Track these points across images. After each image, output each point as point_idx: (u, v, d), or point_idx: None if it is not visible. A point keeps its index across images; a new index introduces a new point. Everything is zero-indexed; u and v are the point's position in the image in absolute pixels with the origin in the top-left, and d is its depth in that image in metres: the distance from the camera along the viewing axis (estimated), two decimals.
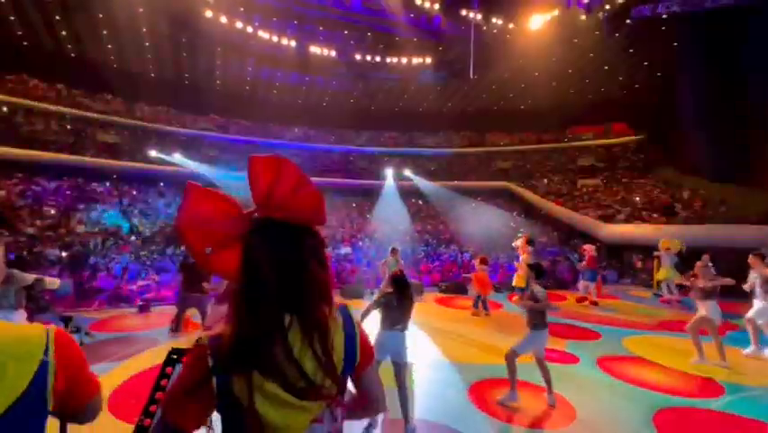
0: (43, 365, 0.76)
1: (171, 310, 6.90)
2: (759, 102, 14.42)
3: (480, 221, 17.58)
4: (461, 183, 22.17)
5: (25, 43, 18.50)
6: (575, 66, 20.62)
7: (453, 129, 25.97)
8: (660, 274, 9.46)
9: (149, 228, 15.30)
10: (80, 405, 0.87)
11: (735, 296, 6.09)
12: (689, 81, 17.43)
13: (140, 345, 5.44)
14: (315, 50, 19.76)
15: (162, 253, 12.41)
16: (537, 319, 3.77)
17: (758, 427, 3.45)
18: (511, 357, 3.76)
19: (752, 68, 14.63)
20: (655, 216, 14.85)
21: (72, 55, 19.73)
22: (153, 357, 4.93)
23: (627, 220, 15.40)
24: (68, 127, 18.65)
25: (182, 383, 0.80)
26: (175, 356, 1.44)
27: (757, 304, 5.32)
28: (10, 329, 0.80)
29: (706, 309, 5.00)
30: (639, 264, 13.18)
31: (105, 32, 18.09)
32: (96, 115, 19.52)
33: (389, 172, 21.82)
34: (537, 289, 3.78)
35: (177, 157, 19.05)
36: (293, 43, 19.30)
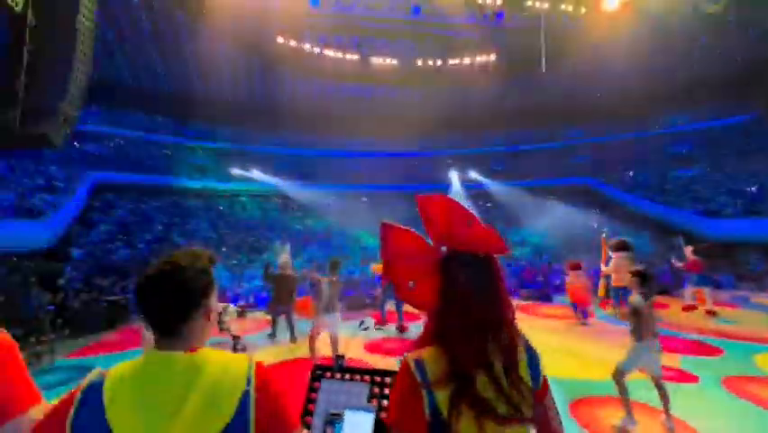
0: (245, 396, 0.80)
1: (264, 316, 7.46)
2: None
3: (558, 222, 16.45)
4: (534, 182, 21.00)
5: (131, 82, 21.56)
6: (660, 45, 18.50)
7: (522, 126, 24.77)
8: None
9: (234, 238, 16.80)
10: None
11: None
12: None
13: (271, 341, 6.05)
14: (376, 60, 20.25)
15: (249, 261, 13.54)
16: (643, 329, 3.39)
17: None
18: (617, 376, 3.43)
19: None
20: None
21: (167, 90, 22.55)
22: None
23: (738, 214, 13.33)
24: (167, 152, 21.35)
25: (397, 397, 0.91)
26: (319, 372, 1.54)
27: None
28: (220, 357, 0.87)
29: None
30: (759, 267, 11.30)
31: (191, 66, 20.41)
32: (187, 141, 22.12)
33: (454, 175, 21.46)
34: (635, 299, 3.44)
35: (255, 173, 20.74)
36: (356, 57, 19.98)
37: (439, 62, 20.39)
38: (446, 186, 21.53)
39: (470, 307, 0.90)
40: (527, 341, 0.98)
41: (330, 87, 22.67)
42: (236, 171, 20.84)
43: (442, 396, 0.84)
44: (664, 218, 15.52)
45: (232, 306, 2.99)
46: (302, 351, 5.25)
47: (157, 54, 19.58)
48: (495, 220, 19.70)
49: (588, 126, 23.58)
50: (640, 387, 3.54)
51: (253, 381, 0.83)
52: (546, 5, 16.49)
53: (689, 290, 7.98)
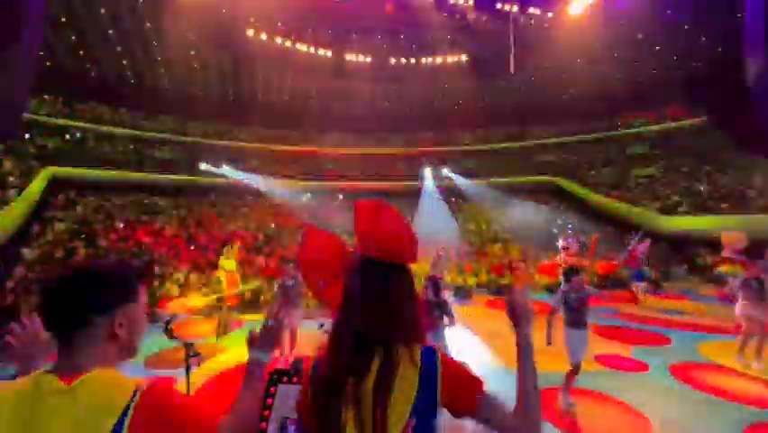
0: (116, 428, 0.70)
1: (234, 317, 7.30)
2: None
3: (526, 218, 17.00)
4: (503, 180, 21.58)
5: (93, 74, 20.43)
6: (621, 49, 19.40)
7: (492, 125, 25.35)
8: (725, 269, 8.70)
9: (205, 237, 16.31)
10: None
11: None
12: (759, 53, 15.77)
13: (210, 351, 5.84)
14: (350, 57, 20.14)
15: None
16: (572, 317, 3.77)
17: None
18: (575, 368, 3.71)
19: None
20: (724, 206, 13.61)
21: (132, 81, 21.52)
22: (219, 364, 5.27)
23: (690, 212, 14.25)
24: (131, 147, 20.43)
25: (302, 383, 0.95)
26: (276, 377, 1.56)
27: None
28: (102, 383, 0.76)
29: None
30: (707, 260, 12.13)
31: (158, 59, 19.58)
32: (153, 135, 21.24)
33: (428, 173, 21.71)
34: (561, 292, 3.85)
35: (225, 169, 20.20)
36: (329, 53, 19.78)
37: (412, 61, 20.52)
38: (419, 183, 21.76)
39: (355, 314, 0.89)
40: (435, 359, 0.89)
41: (303, 82, 22.36)
42: (206, 167, 20.22)
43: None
44: (624, 215, 16.34)
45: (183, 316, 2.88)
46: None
47: (121, 43, 18.65)
48: (466, 217, 20.13)
49: (554, 126, 24.43)
50: (601, 378, 3.76)
51: (130, 413, 0.72)
52: (515, 8, 16.91)
53: (637, 285, 8.61)
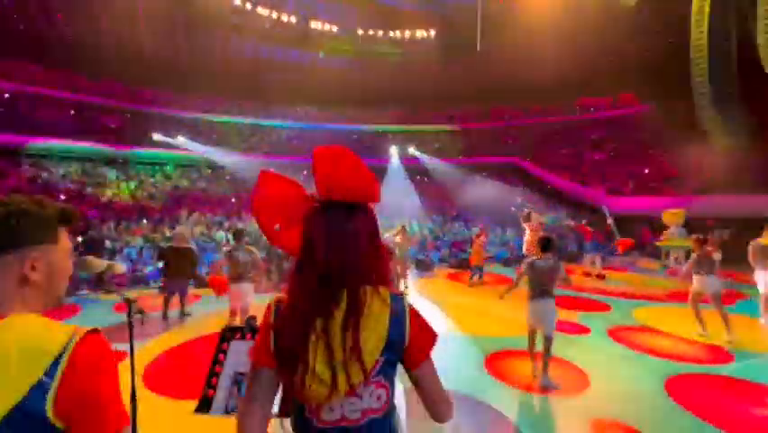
0: (40, 384, 0.64)
1: (192, 291, 7.09)
2: None
3: (488, 197, 17.54)
4: (468, 159, 21.99)
5: (21, 27, 18.19)
6: (582, 35, 19.98)
7: (458, 104, 25.52)
8: (666, 243, 9.54)
9: (158, 210, 15.48)
10: None
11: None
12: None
13: (164, 325, 5.66)
14: (315, 25, 19.27)
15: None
16: (532, 290, 3.74)
17: (760, 389, 3.57)
18: (530, 332, 3.85)
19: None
20: (664, 188, 14.75)
21: (71, 40, 19.41)
22: (177, 336, 5.14)
23: (635, 193, 15.33)
24: (72, 113, 18.62)
25: (259, 336, 0.94)
26: (229, 333, 1.54)
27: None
28: (36, 327, 0.70)
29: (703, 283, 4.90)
30: (648, 237, 13.21)
31: (102, 15, 17.73)
32: (98, 100, 19.43)
33: (394, 150, 21.67)
34: (529, 259, 3.86)
35: (180, 140, 19.04)
36: (293, 19, 18.81)
37: (380, 33, 20.00)
38: (386, 160, 21.70)
39: (319, 255, 0.89)
40: (404, 304, 0.94)
41: (266, 50, 21.20)
42: (159, 137, 18.92)
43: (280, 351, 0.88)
44: (578, 196, 17.30)
45: (121, 265, 2.64)
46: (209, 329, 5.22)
47: None
48: (432, 196, 20.45)
49: (518, 108, 25.03)
50: (558, 343, 4.00)
51: (66, 357, 0.67)
52: None
53: (588, 258, 9.27)
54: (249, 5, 17.74)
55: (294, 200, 0.97)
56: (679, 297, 7.03)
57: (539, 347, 3.77)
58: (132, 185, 17.24)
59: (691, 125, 17.90)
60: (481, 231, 8.84)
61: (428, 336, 0.96)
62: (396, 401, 0.96)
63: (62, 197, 14.18)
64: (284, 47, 20.79)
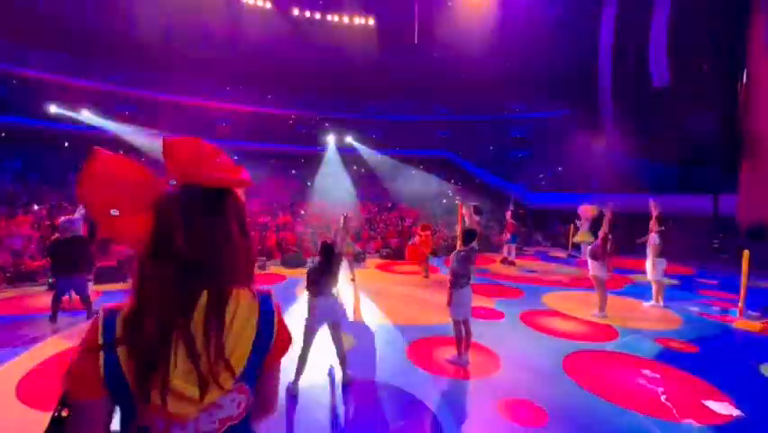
0: None
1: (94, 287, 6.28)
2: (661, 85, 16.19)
3: (421, 189, 18.08)
4: (403, 151, 22.40)
5: None
6: (508, 39, 21.28)
7: (396, 96, 25.76)
8: (578, 237, 10.64)
9: (53, 195, 13.44)
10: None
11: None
12: (606, 60, 18.99)
13: (51, 327, 4.91)
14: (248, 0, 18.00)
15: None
16: (465, 279, 3.95)
17: (639, 362, 4.15)
18: (458, 324, 3.97)
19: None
20: (575, 186, 16.45)
21: None
22: (64, 341, 4.51)
23: (551, 189, 16.89)
24: None
25: (75, 354, 0.75)
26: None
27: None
28: None
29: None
30: (560, 229, 14.66)
31: None
32: None
33: (331, 139, 21.27)
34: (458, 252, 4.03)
35: (84, 114, 16.68)
36: None
37: (317, 15, 19.31)
38: (321, 148, 21.25)
39: (175, 246, 0.75)
40: (271, 302, 0.87)
41: (186, 19, 19.24)
42: (56, 110, 16.34)
43: (124, 356, 0.72)
44: (501, 190, 18.60)
45: None
46: None
47: None
48: (367, 185, 20.51)
49: (451, 104, 26.02)
50: (475, 328, 4.21)
51: None
52: None
53: (506, 248, 10.07)
54: None
55: (140, 182, 0.82)
56: (581, 283, 7.93)
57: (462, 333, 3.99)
58: (20, 164, 14.73)
59: (598, 130, 20.14)
60: (427, 225, 9.07)
61: (287, 337, 0.90)
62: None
63: None
64: (210, 18, 19.07)
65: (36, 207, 12.18)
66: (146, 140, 17.13)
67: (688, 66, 14.99)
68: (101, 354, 0.73)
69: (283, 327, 0.88)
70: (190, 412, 0.74)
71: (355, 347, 4.39)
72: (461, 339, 3.98)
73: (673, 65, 15.29)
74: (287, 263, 9.49)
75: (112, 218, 0.81)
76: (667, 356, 4.31)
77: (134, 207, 0.81)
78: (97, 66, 19.43)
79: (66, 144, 17.03)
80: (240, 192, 0.89)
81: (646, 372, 3.90)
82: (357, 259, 10.46)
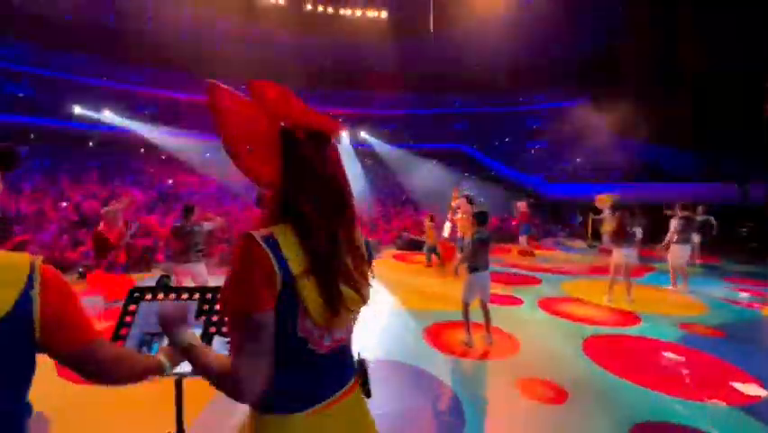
0: (25, 294, 0.73)
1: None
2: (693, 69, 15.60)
3: (435, 182, 17.98)
4: (417, 145, 22.32)
5: None
6: (526, 29, 20.86)
7: (410, 90, 25.64)
8: (605, 228, 10.45)
9: (81, 194, 13.95)
10: (70, 348, 0.81)
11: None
12: (628, 48, 18.41)
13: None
14: None
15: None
16: (478, 263, 3.99)
17: (662, 345, 4.08)
18: (465, 306, 4.04)
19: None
20: (595, 177, 16.09)
21: None
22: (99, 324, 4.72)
23: (569, 180, 16.57)
24: None
25: (250, 278, 0.79)
26: (137, 294, 1.41)
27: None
28: None
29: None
30: (578, 220, 14.40)
31: None
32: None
33: (344, 134, 21.36)
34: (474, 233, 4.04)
35: (107, 114, 17.22)
36: None
37: (330, 10, 19.36)
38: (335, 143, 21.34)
39: (325, 187, 0.88)
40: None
41: (201, 18, 19.58)
42: (80, 111, 16.93)
43: (303, 285, 0.81)
44: (517, 182, 18.34)
45: None
46: None
47: None
48: (381, 179, 20.54)
49: (466, 96, 25.73)
50: (493, 313, 4.23)
51: (37, 279, 0.76)
52: None
53: (523, 238, 9.96)
54: None
55: (259, 120, 0.86)
56: (600, 270, 7.80)
57: (473, 318, 4.03)
58: (49, 163, 15.33)
59: (621, 120, 19.59)
60: (430, 215, 9.09)
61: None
62: None
63: None
64: (226, 16, 19.36)
65: (64, 204, 12.69)
66: (169, 139, 17.61)
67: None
68: (278, 274, 0.79)
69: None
70: (345, 319, 0.90)
71: (372, 331, 4.45)
72: (468, 323, 4.02)
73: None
74: None
75: (249, 155, 0.85)
76: (692, 340, 4.22)
77: (261, 142, 0.86)
78: (119, 67, 20.00)
79: (91, 144, 17.62)
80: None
81: (670, 354, 3.84)
82: (373, 250, 10.57)
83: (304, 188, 0.86)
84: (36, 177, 14.11)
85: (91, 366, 0.84)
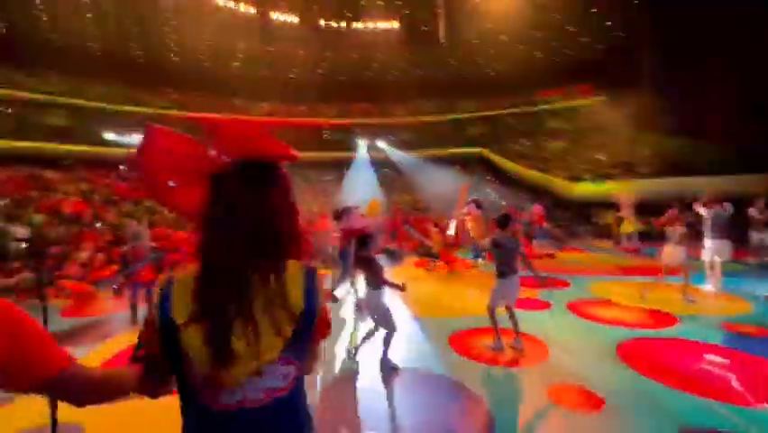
0: None
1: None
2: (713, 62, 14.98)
3: (455, 188, 17.82)
4: (436, 150, 22.29)
5: None
6: (541, 29, 20.66)
7: (424, 97, 25.72)
8: (624, 228, 10.07)
9: (114, 215, 14.62)
10: (37, 379, 0.68)
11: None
12: (646, 42, 17.90)
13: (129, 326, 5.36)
14: (276, 16, 18.79)
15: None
16: (502, 268, 3.95)
17: (704, 347, 3.85)
18: (490, 311, 3.98)
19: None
20: (618, 174, 15.57)
21: (3, 31, 17.87)
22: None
23: (593, 180, 16.08)
24: (9, 111, 17.21)
25: (147, 326, 0.84)
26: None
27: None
28: None
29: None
30: (603, 219, 13.91)
31: (39, 4, 16.42)
32: (40, 97, 18.04)
33: (362, 144, 21.61)
34: (484, 241, 3.99)
35: (135, 139, 18.06)
36: (252, 10, 18.24)
37: (343, 25, 19.78)
38: (352, 153, 21.61)
39: (236, 218, 0.81)
40: (315, 270, 0.90)
41: (221, 41, 20.39)
42: (112, 136, 17.86)
43: (187, 333, 0.77)
44: (540, 183, 17.95)
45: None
46: None
47: None
48: (398, 187, 20.55)
49: (481, 100, 25.57)
50: (520, 318, 4.13)
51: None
52: None
53: (536, 243, 9.72)
54: None
55: (194, 155, 0.87)
56: (629, 271, 7.48)
57: (502, 324, 3.95)
58: (83, 187, 16.18)
59: (642, 114, 18.96)
60: (434, 221, 9.13)
61: (328, 318, 0.94)
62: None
63: (1, 203, 13.10)
64: (244, 39, 20.09)
65: (99, 225, 13.32)
66: None
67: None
68: (158, 320, 0.80)
69: (325, 307, 0.91)
70: (240, 375, 0.77)
71: (397, 338, 4.40)
72: (497, 327, 3.95)
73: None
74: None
75: (169, 190, 0.87)
76: (736, 341, 3.97)
77: (190, 179, 0.87)
78: (147, 94, 21.02)
79: (121, 167, 18.48)
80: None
81: (713, 356, 3.61)
82: (394, 257, 10.54)
83: (211, 227, 0.82)
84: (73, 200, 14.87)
85: (69, 396, 0.75)
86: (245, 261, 0.81)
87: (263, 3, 18.31)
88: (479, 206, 8.24)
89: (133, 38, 19.80)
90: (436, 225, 8.55)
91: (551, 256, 9.55)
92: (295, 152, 0.90)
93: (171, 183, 0.88)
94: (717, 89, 14.85)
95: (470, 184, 8.97)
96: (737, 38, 13.92)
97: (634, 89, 19.33)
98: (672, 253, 5.44)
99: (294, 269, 0.86)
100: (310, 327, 0.86)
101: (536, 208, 10.03)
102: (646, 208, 11.14)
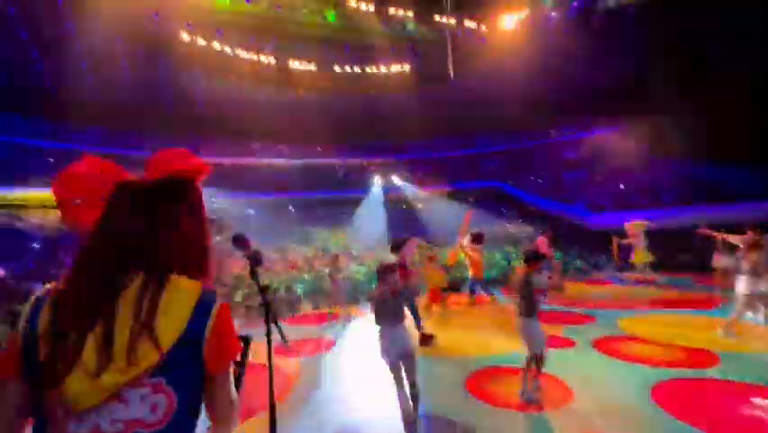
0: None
1: None
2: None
3: (474, 223, 17.62)
4: (453, 186, 22.39)
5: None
6: (551, 63, 21.08)
7: (439, 134, 26.19)
8: (637, 258, 9.55)
9: None
10: None
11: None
12: (660, 70, 17.95)
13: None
14: (294, 65, 20.01)
15: None
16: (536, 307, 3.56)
17: (749, 389, 3.46)
18: (537, 357, 3.49)
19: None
20: (641, 202, 15.09)
21: (49, 90, 19.59)
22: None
23: (614, 208, 15.64)
24: (50, 159, 18.48)
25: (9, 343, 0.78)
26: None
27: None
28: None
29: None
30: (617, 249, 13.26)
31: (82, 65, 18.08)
32: (73, 146, 19.40)
33: (377, 181, 21.96)
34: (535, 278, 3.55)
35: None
36: (272, 60, 19.53)
37: (357, 69, 20.82)
38: (367, 192, 21.94)
39: (111, 231, 0.80)
40: (211, 303, 0.82)
41: (245, 91, 21.72)
42: None
43: (43, 343, 0.72)
44: (560, 214, 17.57)
45: None
46: None
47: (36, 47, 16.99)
48: (414, 224, 20.47)
49: (495, 135, 25.81)
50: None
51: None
52: (453, 21, 17.83)
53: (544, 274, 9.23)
54: (228, 49, 18.38)
55: (106, 178, 0.88)
56: (661, 304, 7.01)
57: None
58: None
59: (662, 141, 18.61)
60: (428, 255, 8.83)
61: (229, 344, 0.85)
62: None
63: (36, 245, 13.73)
64: (264, 86, 21.37)
65: None
66: (209, 200, 18.91)
67: None
68: (20, 333, 0.75)
69: (224, 331, 0.83)
70: (90, 393, 0.69)
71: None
72: (539, 376, 3.50)
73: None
74: None
75: (74, 208, 0.87)
76: None
77: (97, 199, 0.86)
78: (173, 139, 22.26)
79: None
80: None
81: (760, 400, 3.24)
82: (414, 293, 10.26)
83: (88, 240, 0.81)
84: None
85: None
86: (113, 273, 0.77)
87: (282, 53, 19.59)
88: (478, 240, 7.93)
89: (162, 89, 21.29)
90: (431, 260, 8.18)
91: (559, 289, 8.86)
92: (201, 165, 0.91)
93: (76, 201, 0.88)
94: (743, 108, 14.46)
95: (472, 211, 8.81)
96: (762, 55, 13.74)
97: (650, 116, 19.15)
98: (751, 282, 4.82)
99: (187, 287, 0.80)
100: (195, 354, 0.78)
101: (541, 240, 9.52)
102: (671, 238, 10.65)
